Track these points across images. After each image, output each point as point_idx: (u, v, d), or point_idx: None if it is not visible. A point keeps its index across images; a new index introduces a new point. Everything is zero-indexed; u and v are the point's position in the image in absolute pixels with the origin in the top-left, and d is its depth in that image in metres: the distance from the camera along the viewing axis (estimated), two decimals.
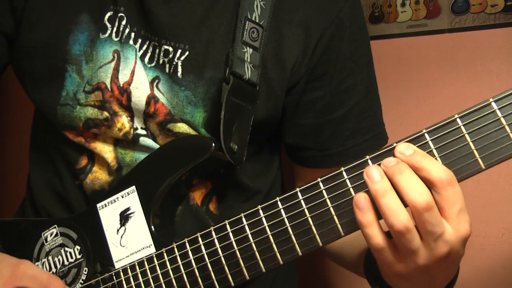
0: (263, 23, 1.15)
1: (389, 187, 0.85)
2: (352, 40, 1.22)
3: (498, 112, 0.85)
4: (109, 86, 1.17)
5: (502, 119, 0.85)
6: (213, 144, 1.09)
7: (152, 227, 1.11)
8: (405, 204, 0.85)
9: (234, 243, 1.01)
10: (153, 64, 1.17)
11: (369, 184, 0.86)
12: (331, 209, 0.93)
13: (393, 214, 0.84)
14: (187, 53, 1.16)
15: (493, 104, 0.86)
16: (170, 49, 1.16)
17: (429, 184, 0.84)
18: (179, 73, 1.16)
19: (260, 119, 1.19)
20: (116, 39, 1.18)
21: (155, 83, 1.17)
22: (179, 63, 1.16)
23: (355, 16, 1.23)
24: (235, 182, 1.26)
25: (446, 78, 1.72)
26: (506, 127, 0.84)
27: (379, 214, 0.86)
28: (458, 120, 0.87)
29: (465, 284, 1.71)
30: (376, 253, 0.90)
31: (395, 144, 0.90)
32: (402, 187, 0.84)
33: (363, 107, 1.25)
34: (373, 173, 0.86)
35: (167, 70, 1.16)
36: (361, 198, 0.87)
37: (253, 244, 0.99)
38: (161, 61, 1.17)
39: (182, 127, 1.17)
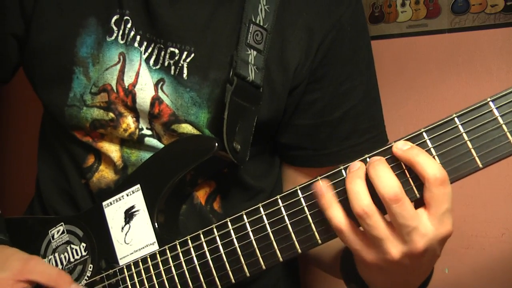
0: (267, 27, 1.17)
1: (360, 176, 0.90)
2: (352, 44, 1.24)
3: (495, 111, 0.87)
4: (114, 88, 1.19)
5: (499, 118, 0.86)
6: (216, 144, 1.11)
7: (156, 225, 1.13)
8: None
9: (235, 240, 1.03)
10: (158, 67, 1.19)
11: (347, 174, 0.92)
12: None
13: (354, 198, 0.88)
14: (192, 55, 1.18)
15: (491, 103, 0.87)
16: (176, 51, 1.18)
17: (423, 180, 0.86)
18: (185, 75, 1.18)
19: (263, 120, 1.21)
20: (121, 42, 1.20)
21: (159, 85, 1.18)
22: (185, 65, 1.18)
23: (357, 21, 1.25)
24: (239, 181, 1.28)
25: (446, 78, 1.72)
26: (503, 126, 0.86)
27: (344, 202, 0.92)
28: (456, 119, 0.89)
29: (465, 284, 1.72)
30: (340, 236, 0.93)
31: (393, 143, 0.91)
32: (372, 178, 0.88)
33: (361, 109, 1.27)
34: (354, 164, 0.92)
35: (172, 72, 1.18)
36: (320, 183, 0.93)
37: (254, 241, 1.01)
38: (166, 63, 1.19)
39: (186, 128, 1.18)
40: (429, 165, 0.86)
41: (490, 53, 1.69)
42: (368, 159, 0.93)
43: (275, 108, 1.22)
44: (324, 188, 0.92)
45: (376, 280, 0.99)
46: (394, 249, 0.88)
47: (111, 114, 1.21)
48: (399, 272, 0.92)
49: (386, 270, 0.93)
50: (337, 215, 0.91)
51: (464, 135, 0.88)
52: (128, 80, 1.19)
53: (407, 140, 0.91)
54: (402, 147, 0.89)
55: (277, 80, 1.20)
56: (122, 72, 1.19)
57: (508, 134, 0.86)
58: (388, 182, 0.86)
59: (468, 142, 0.88)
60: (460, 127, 0.88)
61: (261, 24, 1.17)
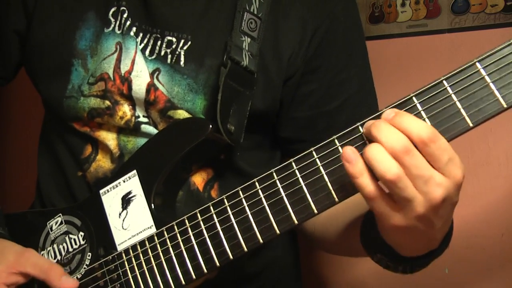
0: (261, 15, 1.20)
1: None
2: (346, 35, 1.26)
3: (482, 71, 0.87)
4: (111, 76, 1.22)
5: (486, 77, 0.86)
6: (210, 126, 1.12)
7: (153, 208, 1.14)
8: None
9: (231, 216, 1.02)
10: (153, 57, 1.22)
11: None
12: (325, 175, 0.95)
13: (381, 164, 0.84)
14: (189, 42, 1.21)
15: (477, 64, 0.87)
16: (174, 39, 1.21)
17: (414, 144, 0.85)
18: (182, 62, 1.20)
19: (259, 109, 1.22)
20: (118, 32, 1.24)
21: (155, 75, 1.21)
22: (182, 53, 1.21)
23: (349, 12, 1.28)
24: (237, 168, 1.28)
25: None
26: (491, 84, 0.86)
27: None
28: (444, 81, 0.89)
29: (465, 284, 1.70)
30: (370, 203, 0.89)
31: (384, 110, 0.91)
32: (379, 138, 0.86)
33: (357, 99, 1.28)
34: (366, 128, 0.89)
35: (168, 60, 1.21)
36: (348, 150, 0.88)
37: (250, 216, 1.00)
38: (162, 53, 1.21)
39: (182, 114, 1.20)
40: (414, 129, 0.85)
41: None
42: (360, 127, 0.93)
43: (271, 97, 1.23)
44: (353, 156, 0.88)
45: (404, 242, 0.97)
46: (418, 205, 0.86)
47: (107, 102, 1.23)
48: (425, 225, 0.90)
49: (413, 229, 0.90)
50: (368, 183, 0.87)
51: (453, 96, 0.88)
52: (124, 67, 1.21)
53: (397, 105, 0.91)
54: (387, 116, 0.88)
55: (271, 69, 1.22)
56: (118, 60, 1.22)
57: (496, 92, 0.86)
58: (394, 136, 0.85)
59: (458, 103, 0.87)
60: (448, 89, 0.88)
61: (255, 12, 1.20)
